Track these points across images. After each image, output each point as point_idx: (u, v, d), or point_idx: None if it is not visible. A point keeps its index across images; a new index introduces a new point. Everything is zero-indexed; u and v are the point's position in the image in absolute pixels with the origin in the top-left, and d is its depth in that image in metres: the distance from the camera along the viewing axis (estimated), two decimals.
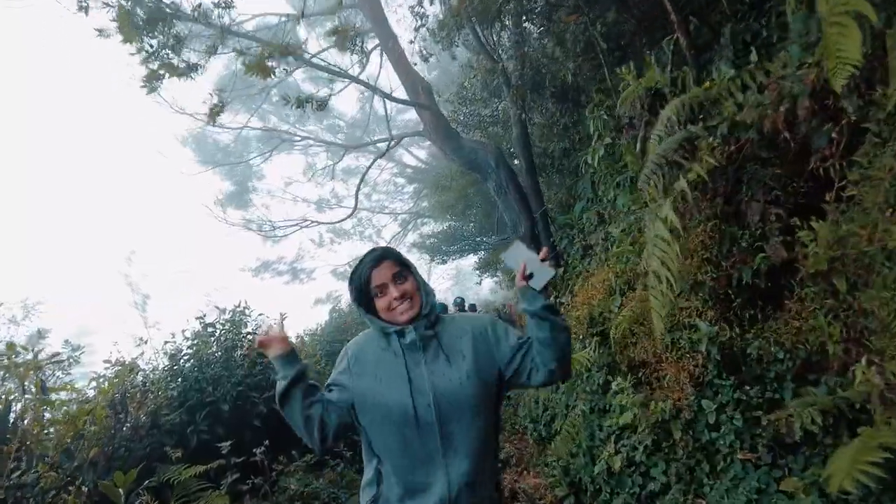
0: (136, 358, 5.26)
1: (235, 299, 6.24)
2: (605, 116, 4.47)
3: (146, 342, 5.27)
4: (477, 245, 16.71)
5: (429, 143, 25.15)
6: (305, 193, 21.17)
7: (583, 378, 4.01)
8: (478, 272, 18.77)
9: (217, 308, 6.01)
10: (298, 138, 11.93)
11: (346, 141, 20.27)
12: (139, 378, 5.12)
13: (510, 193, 6.52)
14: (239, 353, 5.97)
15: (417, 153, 22.86)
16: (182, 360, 5.58)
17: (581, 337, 4.17)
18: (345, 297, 15.31)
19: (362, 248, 24.30)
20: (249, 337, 6.25)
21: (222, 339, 5.91)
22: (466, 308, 9.61)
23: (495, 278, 20.61)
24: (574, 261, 5.83)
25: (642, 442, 3.09)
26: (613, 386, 3.74)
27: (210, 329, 5.79)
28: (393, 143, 7.06)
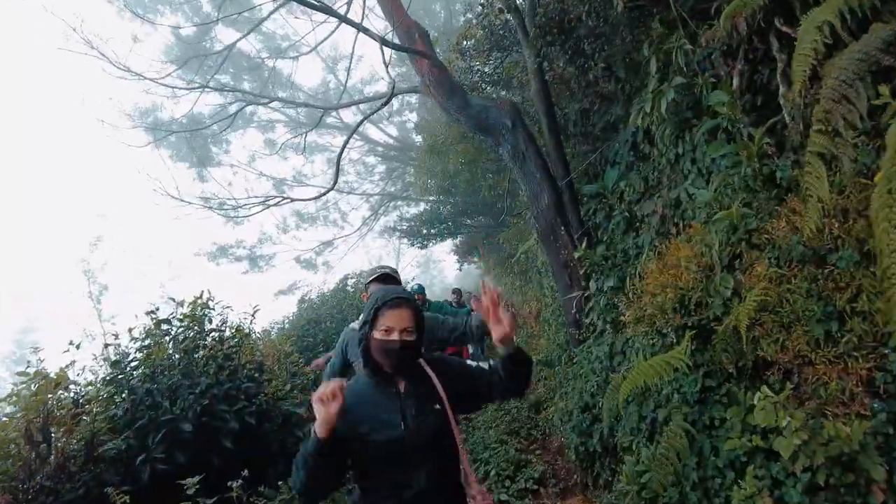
0: (67, 367, 4.07)
1: (193, 289, 5.12)
2: (686, 46, 3.55)
3: (78, 346, 4.09)
4: (457, 228, 15.77)
5: (401, 117, 23.99)
6: (268, 171, 19.68)
7: (672, 384, 3.13)
8: (457, 258, 17.85)
9: (173, 300, 4.86)
10: (266, 100, 10.60)
11: (307, 117, 18.87)
12: (69, 394, 3.95)
13: (530, 159, 5.57)
14: (201, 354, 4.85)
15: (389, 130, 21.67)
16: (129, 368, 4.43)
17: (665, 331, 3.28)
18: (315, 287, 14.12)
19: (327, 234, 23.01)
20: (214, 335, 5.14)
21: (180, 338, 4.78)
22: (462, 298, 8.67)
23: (473, 265, 19.75)
24: (614, 237, 4.95)
25: (803, 481, 2.22)
26: (721, 394, 2.88)
27: (165, 327, 4.64)
28: (390, 98, 5.95)
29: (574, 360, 5.13)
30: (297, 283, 22.24)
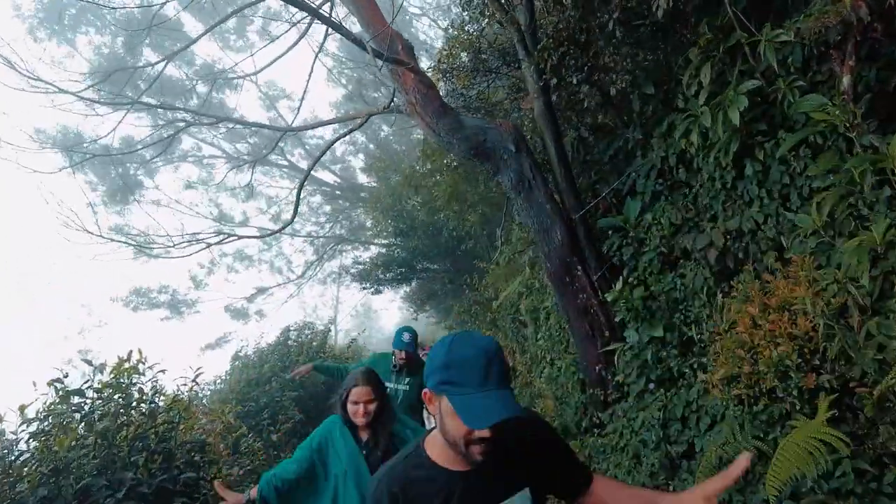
0: None
1: (107, 343, 3.99)
2: (783, 37, 3.02)
3: None
4: (413, 273, 14.89)
5: (343, 163, 23.19)
6: (204, 211, 17.99)
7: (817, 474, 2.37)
8: (410, 306, 16.88)
9: (89, 364, 3.69)
10: (210, 120, 9.47)
11: (251, 153, 17.73)
12: None
13: (538, 189, 4.90)
14: (125, 433, 3.69)
15: (332, 171, 20.74)
16: (19, 462, 3.21)
17: (783, 395, 2.57)
18: (251, 341, 12.66)
19: (264, 280, 21.40)
20: (143, 408, 4.00)
21: (97, 416, 3.60)
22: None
23: (426, 314, 18.77)
24: (647, 277, 4.30)
25: None
26: (887, 483, 2.17)
27: (77, 400, 3.47)
28: (388, 107, 5.18)
29: (605, 428, 4.33)
30: (228, 336, 20.36)
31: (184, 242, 6.53)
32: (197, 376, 4.33)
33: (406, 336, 4.17)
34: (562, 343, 5.76)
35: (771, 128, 3.36)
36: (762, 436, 2.72)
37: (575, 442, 4.49)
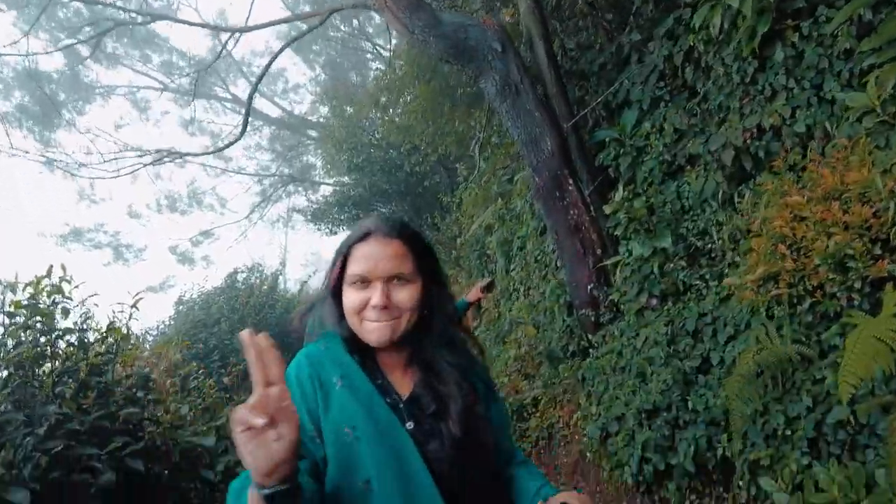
0: None
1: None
2: None
3: None
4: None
5: (296, 94, 21.56)
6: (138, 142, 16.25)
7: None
8: None
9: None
10: (145, 19, 8.10)
11: (191, 83, 16.17)
12: None
13: (526, 93, 4.39)
14: (50, 368, 3.10)
15: (282, 103, 19.34)
16: None
17: (835, 290, 2.27)
18: (195, 285, 11.81)
19: (207, 222, 20.16)
20: (69, 339, 3.37)
21: (10, 345, 2.96)
22: None
23: None
24: (648, 187, 3.94)
25: None
26: None
27: None
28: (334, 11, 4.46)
29: (597, 350, 4.04)
30: (171, 279, 19.19)
31: (120, 168, 5.68)
32: (136, 302, 3.69)
33: None
34: (542, 268, 5.42)
35: (809, 5, 2.97)
36: (804, 339, 2.44)
37: (564, 366, 4.20)
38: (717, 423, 2.77)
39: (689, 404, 2.88)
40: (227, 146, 5.93)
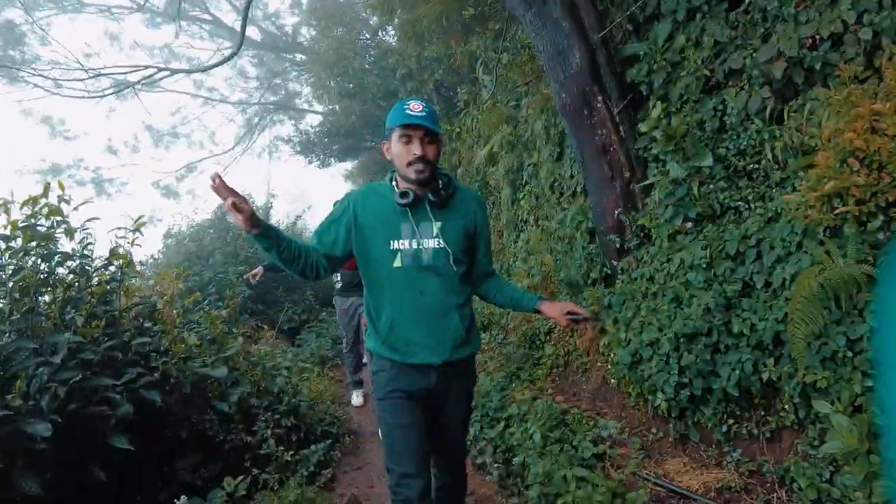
0: None
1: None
2: None
3: None
4: (360, 148, 13.70)
5: (281, 19, 20.27)
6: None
7: None
8: (357, 185, 15.84)
9: None
10: None
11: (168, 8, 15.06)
12: None
13: (552, 2, 4.04)
14: (53, 297, 2.90)
15: (266, 26, 18.12)
16: None
17: None
18: (183, 218, 11.42)
19: (191, 156, 19.43)
20: (70, 264, 3.15)
21: (11, 272, 2.74)
22: None
23: None
24: (684, 105, 3.70)
25: None
26: None
27: None
28: None
29: (624, 276, 3.93)
30: (158, 214, 18.69)
31: (104, 88, 5.21)
32: (139, 226, 3.43)
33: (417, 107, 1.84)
34: (558, 196, 5.23)
35: None
36: (869, 259, 2.31)
37: (589, 292, 4.09)
38: (764, 346, 2.70)
39: (734, 328, 2.79)
40: (225, 60, 5.42)
